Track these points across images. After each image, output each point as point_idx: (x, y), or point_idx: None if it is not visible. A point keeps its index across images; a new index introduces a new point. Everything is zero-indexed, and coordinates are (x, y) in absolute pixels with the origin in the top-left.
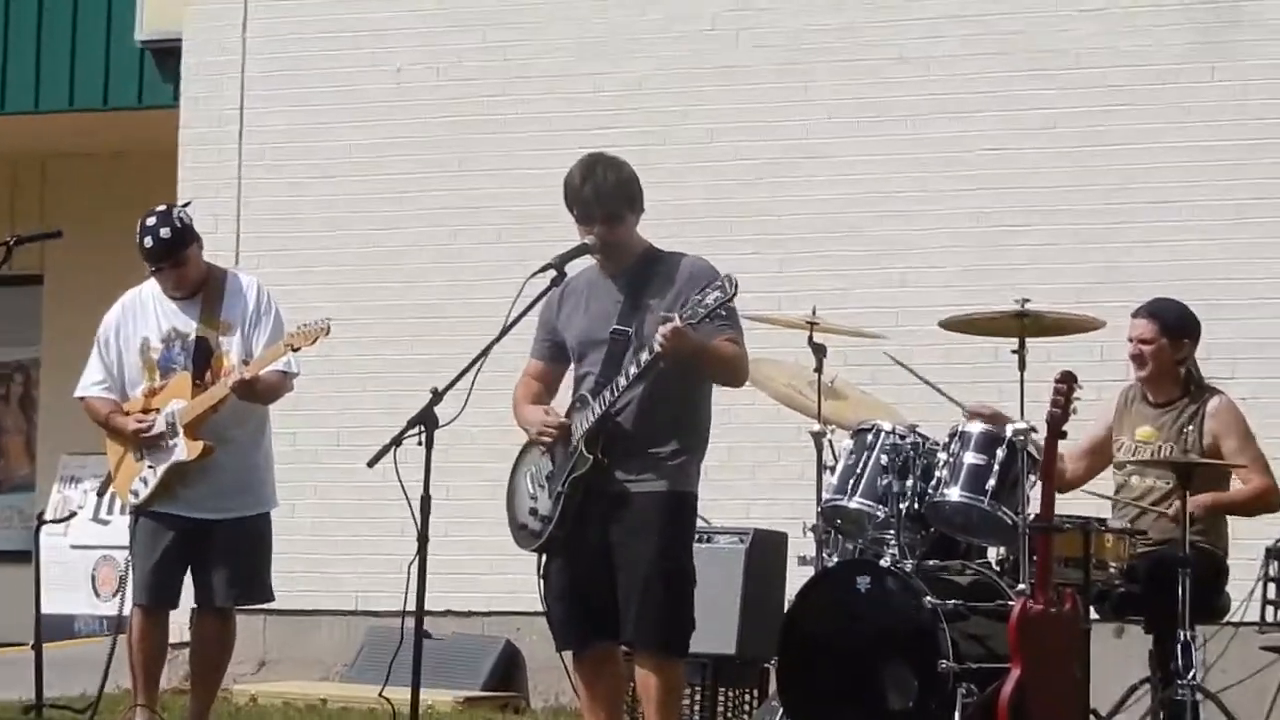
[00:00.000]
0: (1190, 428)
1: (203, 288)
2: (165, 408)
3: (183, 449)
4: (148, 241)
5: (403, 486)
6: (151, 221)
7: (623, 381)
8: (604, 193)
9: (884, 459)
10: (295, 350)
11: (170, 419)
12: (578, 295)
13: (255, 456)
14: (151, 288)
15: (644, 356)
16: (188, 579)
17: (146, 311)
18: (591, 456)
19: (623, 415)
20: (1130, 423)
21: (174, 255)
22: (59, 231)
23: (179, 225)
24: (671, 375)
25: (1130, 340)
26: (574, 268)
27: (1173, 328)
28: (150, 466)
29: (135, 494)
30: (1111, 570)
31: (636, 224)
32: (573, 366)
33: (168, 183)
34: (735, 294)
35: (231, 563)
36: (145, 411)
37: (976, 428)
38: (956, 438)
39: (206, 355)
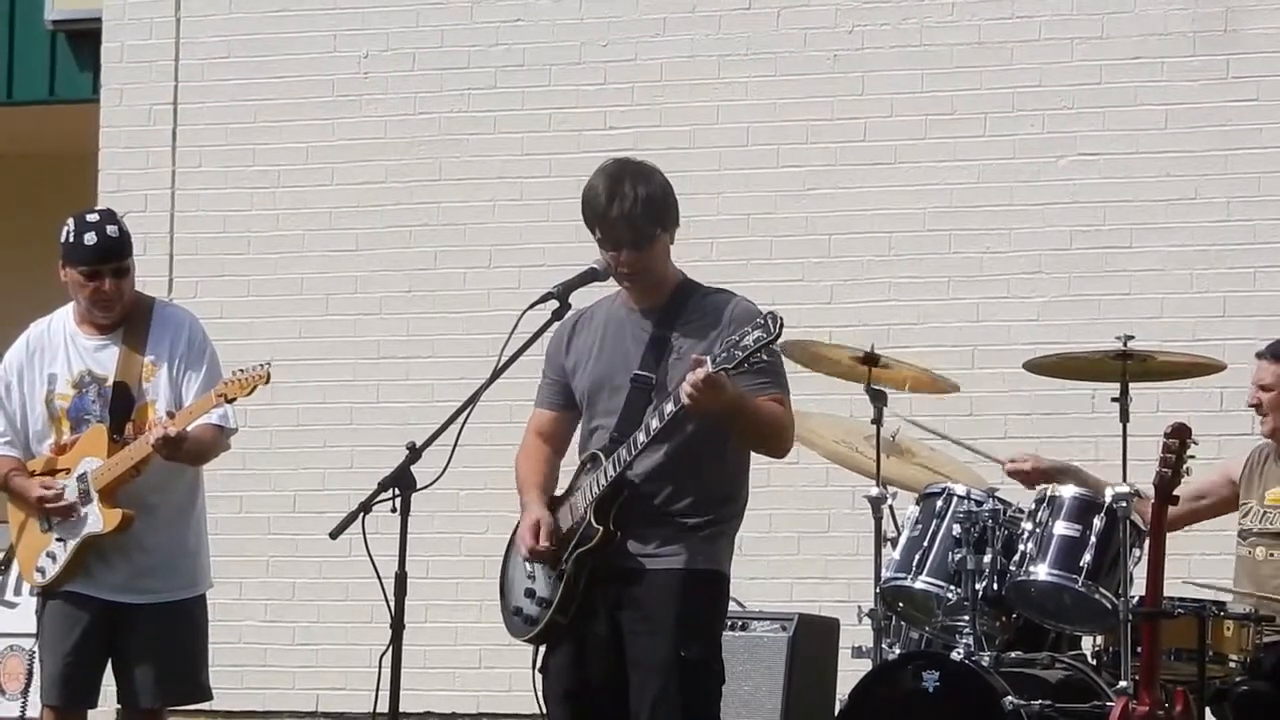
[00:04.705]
0: None
1: (126, 320)
2: (76, 468)
3: (97, 519)
4: (90, 238)
5: (373, 562)
6: (94, 218)
7: (642, 438)
8: (633, 212)
9: (956, 529)
10: (230, 401)
11: (82, 482)
12: (593, 331)
13: (184, 528)
14: (63, 320)
15: (667, 409)
16: (109, 674)
17: (55, 349)
18: (601, 528)
19: (641, 477)
20: (1260, 485)
21: (122, 256)
22: None
23: (125, 230)
24: (703, 429)
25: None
26: (581, 297)
27: None
28: (59, 539)
29: (42, 572)
30: (1232, 664)
31: (671, 244)
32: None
33: (84, 191)
34: (779, 336)
35: (159, 656)
36: (52, 472)
37: (1069, 492)
38: (1045, 504)
39: (127, 404)
